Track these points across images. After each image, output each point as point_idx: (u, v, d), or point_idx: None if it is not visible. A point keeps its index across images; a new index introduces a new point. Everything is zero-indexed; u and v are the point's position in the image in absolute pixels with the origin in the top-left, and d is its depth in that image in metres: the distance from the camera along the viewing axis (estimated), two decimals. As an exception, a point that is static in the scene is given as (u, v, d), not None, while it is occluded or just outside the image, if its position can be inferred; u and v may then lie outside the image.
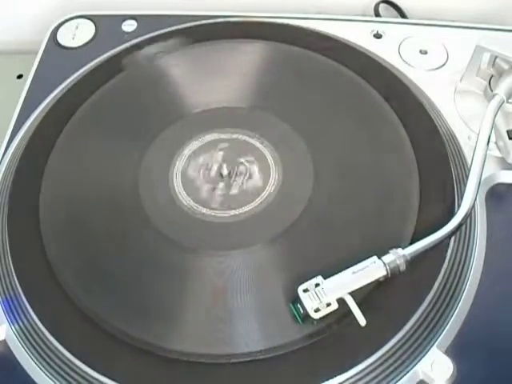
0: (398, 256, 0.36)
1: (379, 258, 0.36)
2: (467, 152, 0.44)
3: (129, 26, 0.57)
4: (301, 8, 0.59)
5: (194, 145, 0.46)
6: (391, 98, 0.47)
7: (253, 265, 0.40)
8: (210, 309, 0.38)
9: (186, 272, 0.40)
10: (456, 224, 0.38)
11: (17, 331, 0.39)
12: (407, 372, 0.35)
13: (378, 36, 0.53)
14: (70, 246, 0.41)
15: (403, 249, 0.37)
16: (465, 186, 0.39)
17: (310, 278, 0.36)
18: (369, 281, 0.36)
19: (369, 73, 0.48)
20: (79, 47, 0.56)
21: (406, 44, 0.52)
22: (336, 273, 0.36)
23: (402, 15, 0.61)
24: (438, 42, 0.52)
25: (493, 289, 0.39)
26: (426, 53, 0.51)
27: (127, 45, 0.54)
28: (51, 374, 0.37)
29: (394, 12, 0.61)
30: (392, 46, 0.52)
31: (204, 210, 0.43)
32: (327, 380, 0.34)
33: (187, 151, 0.46)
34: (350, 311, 0.35)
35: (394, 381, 0.35)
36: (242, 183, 0.44)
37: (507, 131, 0.43)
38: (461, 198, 0.39)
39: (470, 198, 0.38)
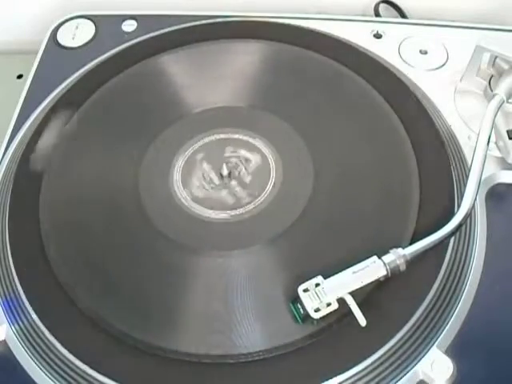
0: (398, 256, 0.36)
1: (379, 257, 0.36)
2: (467, 152, 0.44)
3: (129, 26, 0.57)
4: (301, 8, 0.59)
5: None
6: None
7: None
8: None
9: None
10: (456, 224, 0.38)
11: (17, 331, 0.38)
12: (407, 372, 0.35)
13: (378, 36, 0.53)
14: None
15: (403, 249, 0.37)
16: (465, 185, 0.39)
17: (310, 278, 0.36)
18: (369, 281, 0.36)
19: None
20: (79, 47, 0.56)
21: (406, 44, 0.52)
22: (336, 273, 0.36)
23: (402, 15, 0.61)
24: (438, 42, 0.52)
25: (493, 289, 0.39)
26: (425, 53, 0.51)
27: (127, 45, 0.54)
28: (51, 373, 0.37)
29: (394, 12, 0.61)
30: (392, 45, 0.52)
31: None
32: (327, 380, 0.34)
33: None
34: (350, 311, 0.35)
35: (394, 381, 0.35)
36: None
37: (507, 131, 0.43)
38: (461, 198, 0.39)
39: (470, 198, 0.38)
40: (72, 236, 0.42)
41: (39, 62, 0.55)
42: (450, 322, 0.37)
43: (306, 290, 0.36)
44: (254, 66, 0.51)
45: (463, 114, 0.47)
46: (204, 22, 0.55)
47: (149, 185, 0.44)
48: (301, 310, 0.36)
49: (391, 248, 0.37)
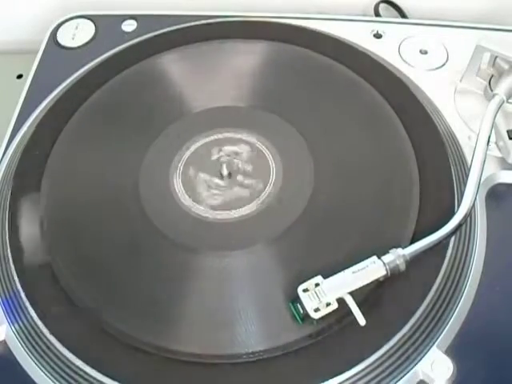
0: (397, 256, 0.36)
1: (379, 257, 0.36)
2: (467, 152, 0.44)
3: (129, 26, 0.57)
4: (301, 8, 0.59)
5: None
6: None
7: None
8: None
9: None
10: (456, 224, 0.38)
11: (17, 331, 0.38)
12: (407, 372, 0.35)
13: (377, 36, 0.53)
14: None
15: (403, 249, 0.37)
16: (465, 185, 0.39)
17: (310, 278, 0.36)
18: (369, 281, 0.36)
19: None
20: (79, 47, 0.56)
21: (406, 44, 0.52)
22: (336, 272, 0.36)
23: (402, 15, 0.61)
24: (438, 42, 0.52)
25: (493, 289, 0.39)
26: (425, 53, 0.51)
27: (127, 45, 0.54)
28: (51, 373, 0.37)
29: (394, 12, 0.61)
30: (392, 45, 0.52)
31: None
32: (327, 380, 0.34)
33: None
34: (349, 311, 0.35)
35: (394, 381, 0.35)
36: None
37: (507, 131, 0.43)
38: (461, 197, 0.39)
39: (470, 197, 0.38)
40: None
41: (39, 62, 0.55)
42: (449, 322, 0.37)
43: (305, 290, 0.36)
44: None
45: (463, 114, 0.47)
46: (204, 21, 0.55)
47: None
48: (300, 309, 0.36)
49: (391, 248, 0.37)
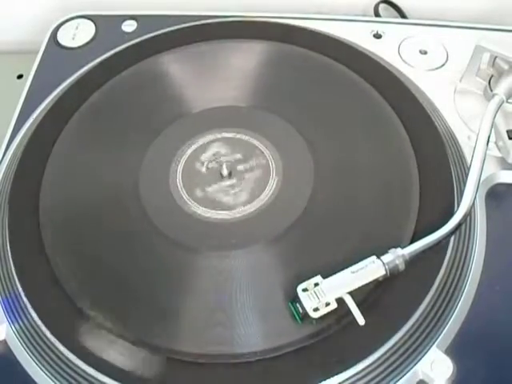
0: (397, 256, 0.36)
1: (378, 257, 0.36)
2: (467, 152, 0.44)
3: (129, 26, 0.57)
4: (301, 8, 0.59)
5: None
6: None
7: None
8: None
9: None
10: (455, 223, 0.38)
11: (17, 331, 0.39)
12: (407, 372, 0.35)
13: (377, 36, 0.53)
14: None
15: (402, 248, 0.37)
16: (464, 185, 0.39)
17: (310, 278, 0.36)
18: (368, 280, 0.36)
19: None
20: (79, 47, 0.56)
21: (406, 44, 0.52)
22: (335, 272, 0.36)
23: (402, 15, 0.61)
24: (437, 42, 0.52)
25: (493, 288, 0.39)
26: (425, 53, 0.52)
27: (127, 45, 0.54)
28: (51, 373, 0.37)
29: (394, 12, 0.61)
30: (392, 45, 0.52)
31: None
32: (327, 380, 0.34)
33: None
34: (349, 311, 0.35)
35: (394, 381, 0.35)
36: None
37: (507, 131, 0.43)
38: (460, 197, 0.39)
39: (470, 197, 0.38)
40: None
41: (39, 62, 0.55)
42: (449, 322, 0.37)
43: (305, 290, 0.36)
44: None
45: (463, 114, 0.47)
46: (203, 22, 0.55)
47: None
48: (300, 309, 0.36)
49: (390, 248, 0.37)
